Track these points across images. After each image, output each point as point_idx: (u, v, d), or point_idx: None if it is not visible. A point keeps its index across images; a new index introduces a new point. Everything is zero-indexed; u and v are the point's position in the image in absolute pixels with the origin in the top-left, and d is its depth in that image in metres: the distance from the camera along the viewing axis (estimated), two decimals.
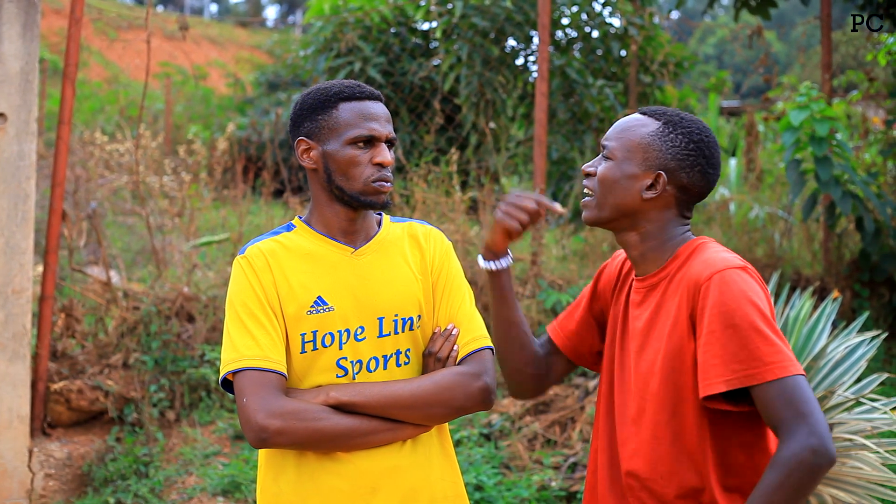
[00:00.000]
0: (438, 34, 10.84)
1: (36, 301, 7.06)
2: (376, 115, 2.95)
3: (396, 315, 2.98)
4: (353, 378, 2.91)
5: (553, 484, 6.30)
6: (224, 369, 2.82)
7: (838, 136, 7.98)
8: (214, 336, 7.54)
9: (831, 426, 5.28)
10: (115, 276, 8.58)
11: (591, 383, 7.21)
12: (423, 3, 11.27)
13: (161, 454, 6.73)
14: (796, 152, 8.00)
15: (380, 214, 3.15)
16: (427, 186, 8.81)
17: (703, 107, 17.24)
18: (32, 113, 6.19)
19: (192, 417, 7.10)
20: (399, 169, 10.80)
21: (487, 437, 6.99)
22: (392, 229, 3.11)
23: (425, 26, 11.84)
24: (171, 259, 9.02)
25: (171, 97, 20.22)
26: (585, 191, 2.87)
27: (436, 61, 11.21)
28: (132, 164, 9.83)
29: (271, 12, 55.56)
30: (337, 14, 11.69)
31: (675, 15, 15.09)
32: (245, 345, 2.82)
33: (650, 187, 2.76)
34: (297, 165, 12.69)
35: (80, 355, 7.13)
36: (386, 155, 2.93)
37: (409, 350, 2.99)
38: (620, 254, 3.10)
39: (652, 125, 2.80)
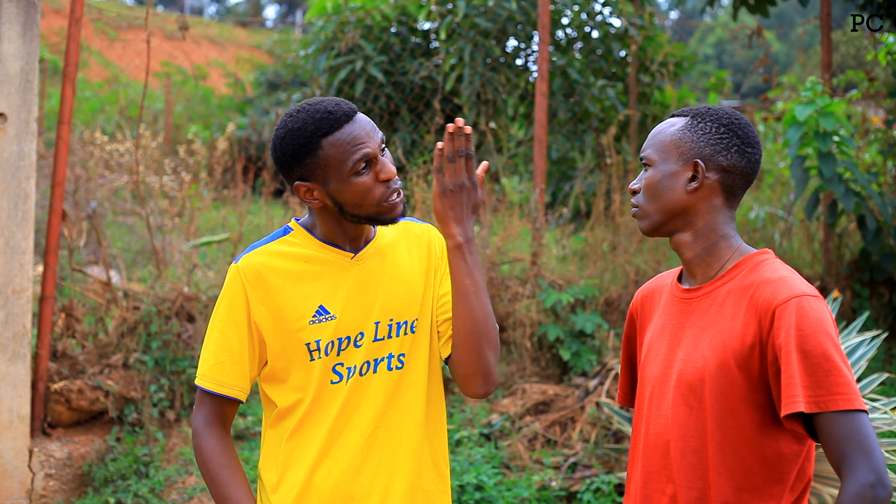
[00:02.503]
0: (442, 35, 10.83)
1: (36, 301, 7.06)
2: (361, 136, 2.82)
3: (391, 319, 2.95)
4: (347, 383, 2.90)
5: (553, 484, 6.31)
6: (197, 375, 2.98)
7: (842, 132, 7.98)
8: None
9: None
10: (115, 276, 8.58)
11: (592, 383, 7.21)
12: (424, 3, 11.26)
13: (161, 454, 6.73)
14: (800, 150, 8.00)
15: None
16: (427, 186, 8.81)
17: None
18: (32, 113, 6.20)
19: (191, 417, 7.10)
20: (399, 169, 10.79)
21: (487, 437, 6.99)
22: (387, 231, 3.07)
23: (427, 26, 11.84)
24: (171, 259, 9.02)
25: (170, 97, 20.20)
26: (633, 209, 2.85)
27: (437, 61, 11.21)
28: (132, 164, 9.82)
29: (271, 12, 55.58)
30: (338, 13, 11.69)
31: (674, 15, 15.10)
32: (207, 362, 2.94)
33: (692, 179, 2.75)
34: None
35: (81, 355, 7.13)
36: (388, 169, 2.84)
37: (403, 355, 2.96)
38: (641, 290, 3.10)
39: (680, 122, 2.81)
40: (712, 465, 2.65)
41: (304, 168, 2.86)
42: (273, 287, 2.90)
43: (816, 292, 2.64)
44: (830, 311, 2.67)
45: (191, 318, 7.64)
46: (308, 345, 2.88)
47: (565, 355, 7.60)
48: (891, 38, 9.59)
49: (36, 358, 6.65)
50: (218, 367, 2.91)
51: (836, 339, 2.55)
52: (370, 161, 2.83)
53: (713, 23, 27.13)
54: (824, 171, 7.77)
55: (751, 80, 27.84)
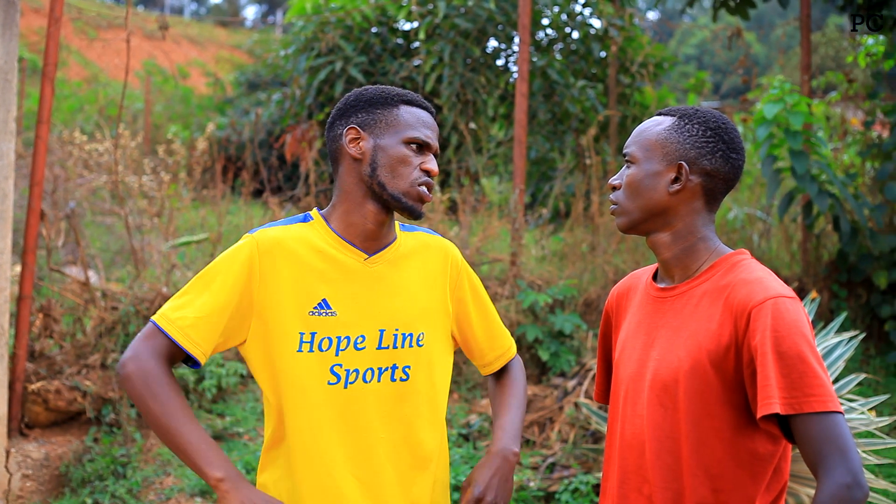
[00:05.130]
0: (422, 35, 10.84)
1: (14, 301, 7.04)
2: (431, 126, 2.98)
3: (397, 329, 2.93)
4: (346, 387, 2.87)
5: (531, 484, 6.31)
6: (156, 314, 2.82)
7: (820, 133, 8.01)
8: None
9: None
10: (93, 276, 8.55)
11: (570, 383, 7.21)
12: (404, 4, 11.27)
13: (139, 455, 6.71)
14: (772, 149, 8.03)
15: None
16: None
17: None
18: (11, 112, 6.17)
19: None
20: None
21: (466, 438, 7.00)
22: (408, 240, 3.07)
23: (407, 26, 11.85)
24: (149, 259, 9.00)
25: (150, 97, 20.17)
26: (612, 206, 2.85)
27: (417, 61, 11.22)
28: (111, 164, 9.80)
29: (251, 12, 55.51)
30: (318, 13, 11.69)
31: (654, 16, 15.14)
32: (180, 310, 2.82)
33: (675, 180, 2.74)
34: (277, 165, 12.69)
35: (58, 355, 7.11)
36: (434, 165, 2.92)
37: (408, 367, 2.94)
38: (616, 288, 3.10)
39: (667, 122, 2.80)
40: (687, 465, 2.65)
41: (370, 115, 2.94)
42: (283, 267, 2.87)
43: (793, 293, 2.63)
44: (807, 312, 2.67)
45: None
46: (302, 335, 2.85)
47: (544, 356, 7.61)
48: (870, 41, 9.64)
49: (13, 358, 6.63)
50: (192, 320, 2.81)
51: (812, 340, 2.54)
52: (424, 146, 2.93)
53: (693, 24, 27.19)
54: (797, 168, 7.80)
55: (730, 81, 27.93)
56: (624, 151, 2.83)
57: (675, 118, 2.80)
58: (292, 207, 11.12)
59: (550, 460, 6.56)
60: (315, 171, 10.49)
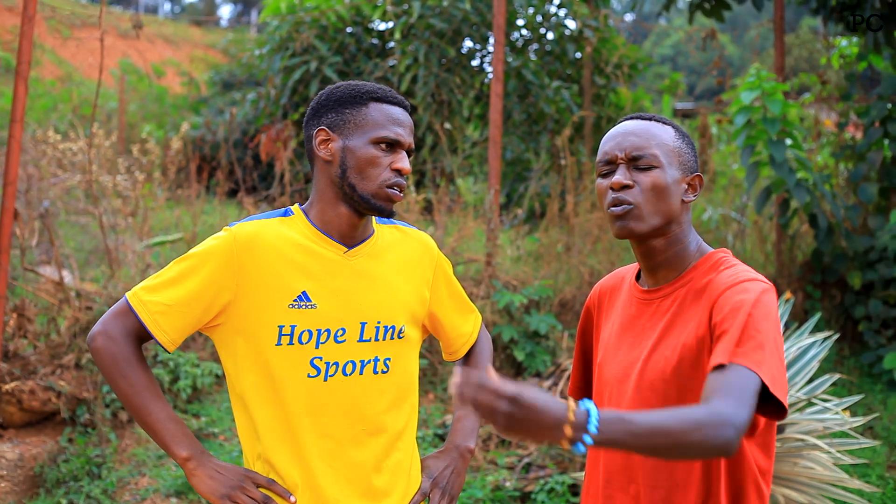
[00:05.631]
0: (397, 35, 10.84)
1: None
2: (403, 122, 2.92)
3: (379, 322, 2.94)
4: (326, 380, 2.87)
5: (507, 484, 6.32)
6: (130, 292, 2.87)
7: (794, 133, 8.05)
8: None
9: (783, 426, 5.33)
10: (67, 276, 8.52)
11: (546, 384, 7.22)
12: (379, 4, 11.26)
13: (114, 455, 6.69)
14: (748, 141, 8.05)
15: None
16: None
17: (657, 108, 17.33)
18: None
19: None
20: None
21: (442, 438, 7.00)
22: (386, 233, 3.08)
23: (382, 26, 11.85)
24: (124, 259, 8.97)
25: (124, 96, 20.10)
26: (622, 205, 2.72)
27: (392, 61, 11.22)
28: (85, 163, 9.77)
29: (226, 11, 55.39)
30: (293, 13, 11.67)
31: (630, 17, 15.18)
32: (153, 294, 2.85)
33: (687, 191, 2.76)
34: (252, 165, 12.67)
35: (33, 355, 7.08)
36: (405, 162, 2.89)
37: (388, 359, 2.95)
38: (600, 284, 3.09)
39: (668, 129, 2.79)
40: (679, 464, 2.66)
41: (339, 116, 2.92)
42: (261, 260, 2.87)
43: (769, 283, 2.64)
44: (778, 308, 2.66)
45: None
46: (281, 328, 2.84)
47: (519, 356, 7.61)
48: (843, 42, 9.68)
49: None
50: (163, 307, 2.84)
51: (778, 328, 2.54)
52: (394, 145, 2.90)
53: (668, 25, 27.26)
54: (775, 155, 7.83)
55: (705, 82, 28.02)
56: (641, 153, 2.73)
57: (673, 128, 2.80)
58: (267, 207, 11.11)
59: (526, 460, 6.56)
60: (290, 170, 10.48)
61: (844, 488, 5.58)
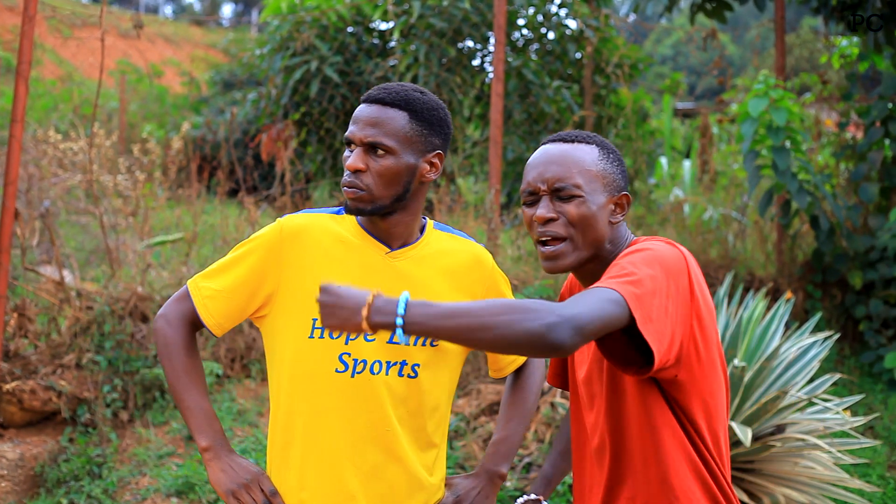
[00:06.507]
0: (396, 34, 10.84)
1: None
2: (358, 118, 2.90)
3: None
4: (353, 376, 2.90)
5: (508, 484, 6.32)
6: (192, 278, 3.04)
7: (796, 129, 8.05)
8: None
9: (784, 426, 5.33)
10: (68, 276, 8.52)
11: (546, 384, 7.22)
12: (380, 3, 11.26)
13: (114, 455, 6.69)
14: (754, 145, 8.06)
15: (423, 219, 3.11)
16: None
17: (658, 108, 17.32)
18: None
19: (145, 418, 7.07)
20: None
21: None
22: (437, 240, 3.08)
23: (382, 26, 11.84)
24: (124, 259, 8.97)
25: (125, 96, 20.09)
26: (550, 244, 2.71)
27: (392, 61, 11.21)
28: (86, 163, 9.76)
29: (227, 11, 55.36)
30: (294, 13, 11.66)
31: (631, 18, 15.17)
32: (210, 282, 3.00)
33: (615, 211, 2.73)
34: (253, 165, 12.67)
35: (33, 355, 7.08)
36: (352, 159, 2.87)
37: (417, 365, 2.96)
38: (568, 281, 3.09)
39: (592, 150, 2.74)
40: (647, 458, 2.66)
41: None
42: (304, 253, 2.94)
43: (673, 244, 2.63)
44: (684, 255, 2.60)
45: (144, 318, 7.60)
46: (315, 321, 2.91)
47: None
48: (844, 42, 9.68)
49: None
50: (213, 292, 2.99)
51: (669, 273, 2.50)
52: (351, 143, 2.92)
53: (669, 25, 27.25)
54: (778, 163, 7.84)
55: (705, 82, 28.01)
56: (562, 185, 2.68)
57: (597, 146, 2.76)
58: (268, 207, 11.10)
59: (527, 460, 6.56)
60: (291, 170, 10.48)
61: (845, 488, 5.58)
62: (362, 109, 2.91)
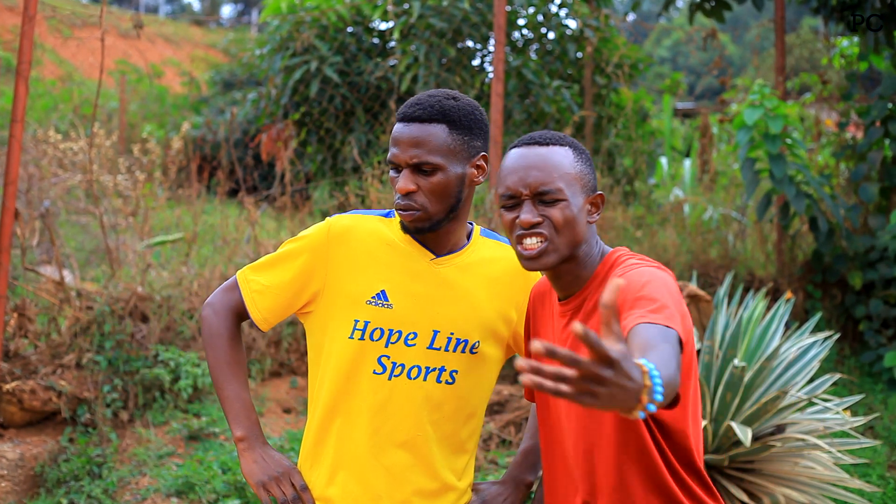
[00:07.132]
0: (396, 35, 10.84)
1: None
2: (399, 139, 2.88)
3: (452, 333, 2.96)
4: (390, 379, 2.92)
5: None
6: (241, 270, 3.08)
7: (794, 134, 8.05)
8: (168, 336, 7.50)
9: (784, 426, 5.33)
10: (68, 276, 8.52)
11: None
12: (380, 3, 11.26)
13: (114, 455, 6.69)
14: (751, 151, 8.07)
15: (470, 224, 3.12)
16: (382, 186, 8.81)
17: (658, 108, 17.31)
18: None
19: (145, 418, 7.07)
20: (355, 169, 10.81)
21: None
22: (482, 247, 3.09)
23: (382, 26, 11.84)
24: (124, 259, 8.97)
25: (125, 96, 20.08)
26: (537, 240, 2.69)
27: (392, 61, 11.22)
28: (86, 163, 9.76)
29: (227, 11, 55.37)
30: (293, 13, 11.67)
31: (630, 17, 15.17)
32: (259, 275, 3.04)
33: (590, 211, 2.75)
34: (253, 165, 12.67)
35: (33, 355, 7.08)
36: (402, 181, 2.86)
37: (455, 371, 2.97)
38: (533, 290, 3.05)
39: (569, 152, 2.75)
40: (629, 461, 2.66)
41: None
42: (350, 254, 2.96)
43: (663, 268, 2.66)
44: (676, 281, 2.63)
45: (144, 318, 7.60)
46: (356, 322, 2.93)
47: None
48: (844, 42, 9.68)
49: None
50: (261, 286, 3.02)
51: (664, 281, 2.54)
52: (397, 167, 2.91)
53: (668, 25, 27.26)
54: (775, 171, 7.85)
55: (705, 82, 28.00)
56: (545, 189, 2.69)
57: (570, 148, 2.77)
58: (268, 207, 11.11)
59: None
60: (291, 170, 10.48)
61: (845, 488, 5.58)
62: (401, 130, 2.88)
